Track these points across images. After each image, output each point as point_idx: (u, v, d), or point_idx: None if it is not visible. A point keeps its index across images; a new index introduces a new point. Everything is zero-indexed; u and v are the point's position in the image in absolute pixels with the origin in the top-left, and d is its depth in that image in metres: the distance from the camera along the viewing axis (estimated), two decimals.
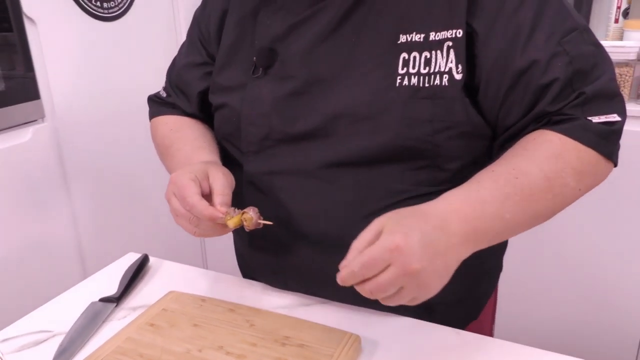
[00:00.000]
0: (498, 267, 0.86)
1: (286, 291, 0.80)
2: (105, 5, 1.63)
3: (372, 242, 0.52)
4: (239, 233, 0.85)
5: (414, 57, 0.65)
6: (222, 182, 0.66)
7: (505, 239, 0.69)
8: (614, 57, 1.39)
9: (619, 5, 1.48)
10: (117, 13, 1.67)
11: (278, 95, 0.72)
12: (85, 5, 1.57)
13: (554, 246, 1.56)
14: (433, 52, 0.64)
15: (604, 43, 1.34)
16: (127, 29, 1.72)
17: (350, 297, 0.65)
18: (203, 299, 0.76)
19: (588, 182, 0.63)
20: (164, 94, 0.92)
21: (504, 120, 0.67)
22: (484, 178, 0.60)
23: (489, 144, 0.70)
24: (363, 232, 0.54)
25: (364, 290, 0.53)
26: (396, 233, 0.51)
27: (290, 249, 0.75)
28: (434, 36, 0.64)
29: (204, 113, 0.86)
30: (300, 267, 0.76)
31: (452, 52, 0.63)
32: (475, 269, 0.74)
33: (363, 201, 0.70)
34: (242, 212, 0.65)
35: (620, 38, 1.48)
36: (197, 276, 0.84)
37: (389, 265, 0.51)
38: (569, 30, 0.63)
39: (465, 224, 0.55)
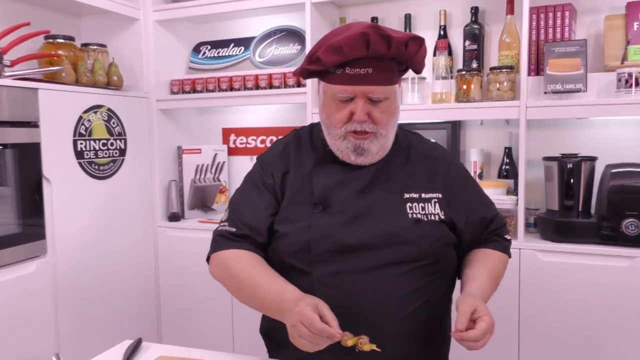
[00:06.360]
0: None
1: None
2: (101, 168, 2.14)
3: (469, 313, 0.99)
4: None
5: (415, 205, 1.14)
6: (330, 311, 0.96)
7: None
8: None
9: (475, 170, 2.13)
10: (110, 173, 2.18)
11: (336, 223, 1.11)
12: (87, 168, 2.07)
13: None
14: (426, 203, 1.14)
15: None
16: (116, 185, 2.21)
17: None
18: None
19: (505, 269, 1.24)
20: (232, 229, 1.17)
21: (468, 238, 1.21)
22: (480, 278, 1.13)
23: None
24: (464, 308, 0.99)
25: (477, 345, 0.97)
26: (487, 314, 0.99)
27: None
28: (424, 195, 1.15)
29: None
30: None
31: (437, 205, 1.15)
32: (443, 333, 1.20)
33: (392, 287, 1.09)
34: (358, 337, 0.96)
35: None
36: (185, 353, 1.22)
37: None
38: (490, 200, 1.29)
39: (483, 298, 1.08)
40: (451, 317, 1.21)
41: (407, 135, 1.26)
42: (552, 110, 1.81)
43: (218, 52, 2.61)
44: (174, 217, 2.46)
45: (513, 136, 2.10)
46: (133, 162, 2.31)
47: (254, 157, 2.65)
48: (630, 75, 1.74)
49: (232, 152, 2.70)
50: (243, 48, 2.56)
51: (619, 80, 1.76)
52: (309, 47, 2.19)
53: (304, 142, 1.24)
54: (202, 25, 2.68)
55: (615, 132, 1.98)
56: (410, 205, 1.13)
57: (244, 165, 2.68)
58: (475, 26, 2.09)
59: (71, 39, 2.11)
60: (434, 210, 1.14)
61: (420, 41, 1.10)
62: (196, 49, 2.66)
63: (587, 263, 1.76)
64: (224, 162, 2.65)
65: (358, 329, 1.00)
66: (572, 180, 1.81)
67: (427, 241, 1.11)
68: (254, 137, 2.65)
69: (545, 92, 1.84)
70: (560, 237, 1.82)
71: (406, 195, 1.14)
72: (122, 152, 2.25)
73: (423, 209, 1.13)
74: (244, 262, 1.13)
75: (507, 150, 2.10)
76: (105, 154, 2.16)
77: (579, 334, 1.78)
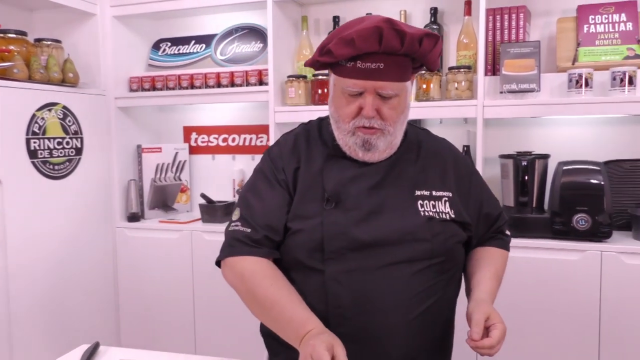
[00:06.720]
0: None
1: None
2: (56, 167, 2.07)
3: (483, 321, 1.01)
4: None
5: (425, 203, 1.13)
6: (344, 354, 0.93)
7: None
8: None
9: None
10: (65, 173, 2.12)
11: (349, 220, 1.09)
12: (41, 168, 2.01)
13: None
14: (436, 201, 1.13)
15: None
16: (72, 185, 2.15)
17: None
18: None
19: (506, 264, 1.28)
20: (247, 230, 1.13)
21: (475, 235, 1.22)
22: (488, 280, 1.15)
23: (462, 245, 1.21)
24: (479, 316, 1.02)
25: (491, 352, 0.99)
26: (500, 321, 1.02)
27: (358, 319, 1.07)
28: (435, 193, 1.14)
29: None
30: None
31: (447, 203, 1.14)
32: (449, 322, 1.21)
33: (404, 286, 1.08)
34: None
35: None
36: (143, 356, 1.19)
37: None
38: (494, 197, 1.30)
39: (492, 301, 1.12)
40: (455, 318, 1.24)
41: (416, 131, 1.26)
42: (508, 110, 1.87)
43: (178, 49, 2.57)
44: (134, 218, 2.41)
45: (471, 135, 2.16)
46: (90, 161, 2.24)
47: (216, 156, 2.68)
48: (580, 76, 1.81)
49: (193, 150, 2.66)
50: (204, 45, 2.53)
51: (570, 80, 1.83)
52: (270, 45, 2.19)
53: (313, 136, 1.22)
54: (162, 21, 2.63)
55: (567, 131, 2.06)
56: (422, 202, 1.13)
57: (206, 164, 2.65)
58: (435, 26, 2.13)
59: (23, 33, 2.03)
60: (445, 209, 1.14)
61: (435, 38, 1.08)
62: (156, 46, 2.62)
63: (541, 257, 1.82)
64: (185, 161, 2.61)
65: (368, 327, 1.05)
66: (526, 177, 1.87)
67: (439, 239, 1.11)
68: (216, 136, 2.63)
69: (501, 92, 1.89)
70: (516, 232, 1.88)
71: (417, 193, 1.14)
72: (79, 151, 2.19)
73: (434, 206, 1.13)
74: (266, 279, 1.09)
75: (465, 148, 2.15)
76: (61, 153, 2.09)
77: (533, 325, 1.85)
